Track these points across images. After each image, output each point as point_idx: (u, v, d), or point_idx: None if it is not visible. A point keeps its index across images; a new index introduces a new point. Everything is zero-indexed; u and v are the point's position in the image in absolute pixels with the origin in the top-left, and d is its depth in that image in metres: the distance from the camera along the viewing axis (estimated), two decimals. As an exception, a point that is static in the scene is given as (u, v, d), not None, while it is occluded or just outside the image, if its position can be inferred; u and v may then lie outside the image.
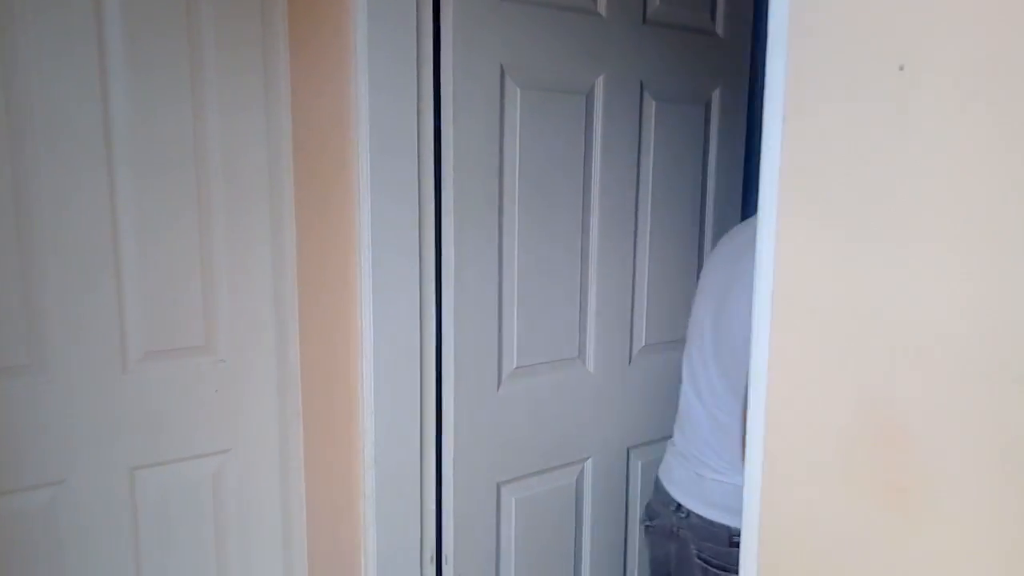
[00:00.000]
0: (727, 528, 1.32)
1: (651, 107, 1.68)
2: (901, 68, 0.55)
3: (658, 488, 1.48)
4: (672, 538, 1.42)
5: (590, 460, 1.71)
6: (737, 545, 1.00)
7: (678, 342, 1.82)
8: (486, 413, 1.52)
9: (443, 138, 1.41)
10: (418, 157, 1.38)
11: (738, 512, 0.94)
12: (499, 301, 1.51)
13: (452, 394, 1.47)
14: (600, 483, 1.73)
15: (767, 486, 0.70)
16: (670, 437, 1.49)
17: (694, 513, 1.37)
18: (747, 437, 0.73)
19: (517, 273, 1.52)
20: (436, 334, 1.45)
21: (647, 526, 1.51)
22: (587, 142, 1.59)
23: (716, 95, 1.80)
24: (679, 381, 1.48)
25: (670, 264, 1.77)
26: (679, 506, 1.40)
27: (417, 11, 1.33)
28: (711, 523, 1.34)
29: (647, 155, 1.69)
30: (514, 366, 1.55)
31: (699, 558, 1.37)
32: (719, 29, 1.78)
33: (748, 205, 1.91)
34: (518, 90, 1.47)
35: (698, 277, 1.55)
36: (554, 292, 1.59)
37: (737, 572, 0.94)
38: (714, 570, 1.35)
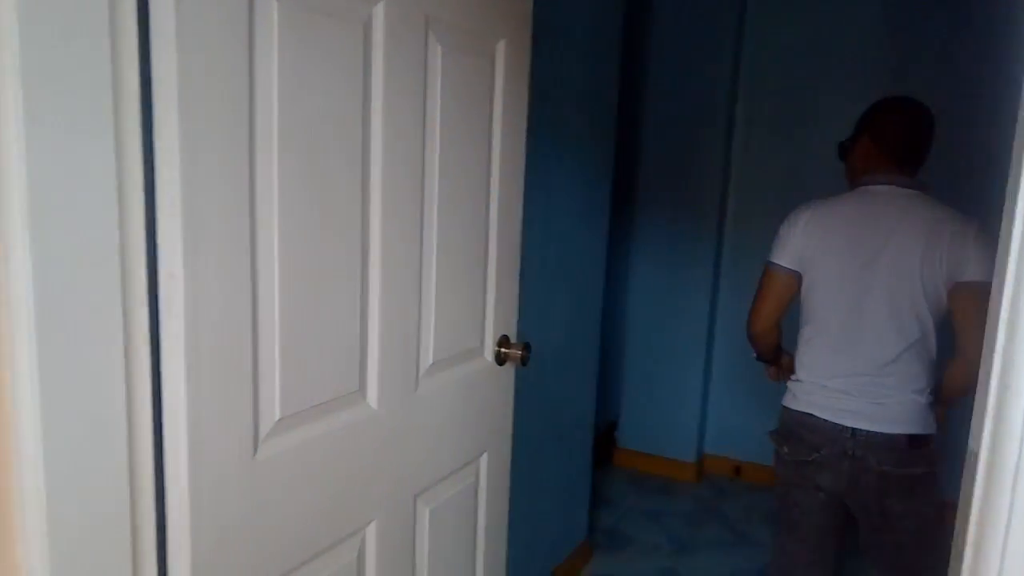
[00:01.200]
0: (905, 436, 1.69)
1: (437, 54, 1.27)
2: None
3: (816, 429, 1.75)
4: (844, 458, 1.72)
5: (373, 524, 1.27)
6: (916, 445, 1.69)
7: (468, 353, 1.47)
8: (238, 496, 1.00)
9: (156, 65, 0.85)
10: (114, 90, 0.80)
11: (914, 421, 1.69)
12: (254, 325, 0.99)
13: (185, 478, 0.92)
14: (385, 551, 1.30)
15: None
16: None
17: (872, 432, 1.69)
18: None
19: (278, 277, 1.02)
20: (154, 385, 0.89)
21: (806, 461, 1.77)
22: (365, 92, 1.13)
23: (501, 48, 1.46)
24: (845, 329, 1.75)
25: (460, 256, 1.40)
26: (854, 432, 1.71)
27: None
28: (891, 436, 1.68)
29: (433, 115, 1.29)
30: (276, 418, 1.05)
31: (879, 467, 1.69)
32: (504, -35, 1.44)
33: (529, 187, 1.62)
34: (275, 3, 0.96)
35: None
36: (330, 302, 1.11)
37: (914, 464, 1.69)
38: (895, 471, 1.68)
